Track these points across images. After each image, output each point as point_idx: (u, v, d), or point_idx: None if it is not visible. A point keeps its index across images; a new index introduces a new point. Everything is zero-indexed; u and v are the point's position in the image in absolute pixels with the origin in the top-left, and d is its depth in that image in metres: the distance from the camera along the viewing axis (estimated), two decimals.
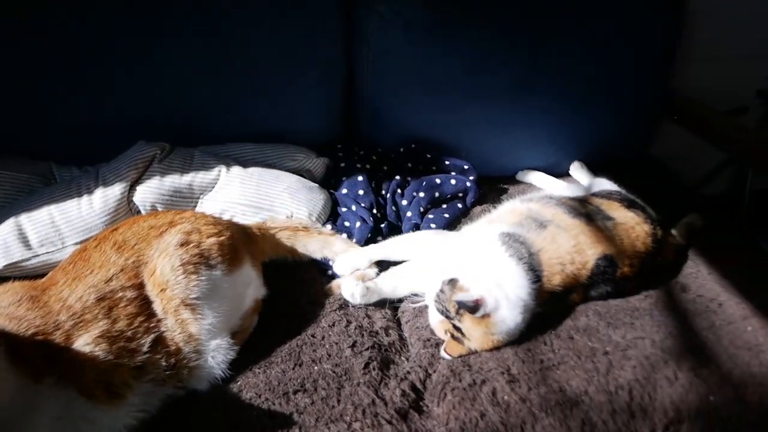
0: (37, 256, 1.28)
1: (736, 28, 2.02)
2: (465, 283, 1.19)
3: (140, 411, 0.97)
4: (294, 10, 1.56)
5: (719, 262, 1.51)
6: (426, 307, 1.28)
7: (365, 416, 1.05)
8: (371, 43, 1.64)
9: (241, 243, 1.22)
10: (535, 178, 1.85)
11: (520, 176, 1.88)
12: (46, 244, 1.29)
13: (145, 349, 0.97)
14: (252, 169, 1.48)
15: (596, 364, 1.18)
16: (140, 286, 1.02)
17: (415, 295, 1.33)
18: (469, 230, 1.45)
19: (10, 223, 1.29)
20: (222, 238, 1.14)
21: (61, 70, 1.48)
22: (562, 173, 1.90)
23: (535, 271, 1.26)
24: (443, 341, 1.23)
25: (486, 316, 1.17)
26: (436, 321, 1.23)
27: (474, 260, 1.29)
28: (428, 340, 1.24)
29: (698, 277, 1.48)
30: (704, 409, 1.13)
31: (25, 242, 1.28)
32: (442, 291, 1.20)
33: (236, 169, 1.46)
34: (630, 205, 1.48)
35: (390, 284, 1.33)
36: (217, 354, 1.08)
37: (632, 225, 1.41)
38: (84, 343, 0.90)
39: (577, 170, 1.89)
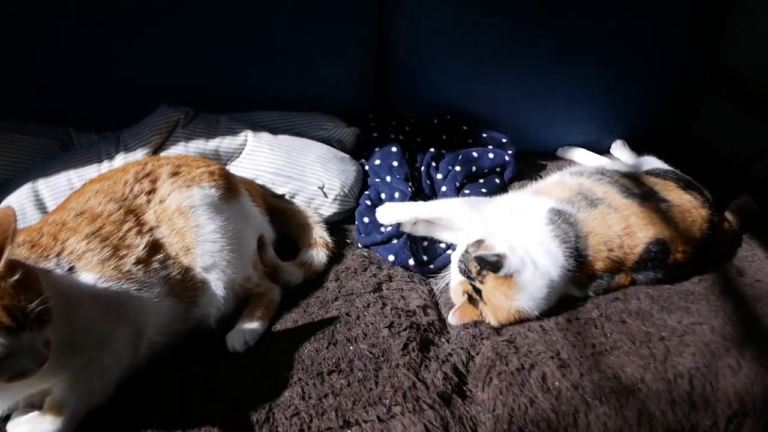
0: None
1: None
2: (490, 243, 1.14)
3: (164, 329, 1.00)
4: None
5: None
6: None
7: (406, 400, 0.97)
8: (406, 7, 1.54)
9: (238, 180, 1.23)
10: (578, 154, 1.75)
11: (560, 152, 1.79)
12: None
13: (141, 247, 0.99)
14: (281, 137, 1.40)
15: (652, 350, 1.10)
16: (122, 199, 1.04)
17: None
18: (515, 198, 1.36)
19: (26, 188, 1.23)
20: (211, 168, 1.16)
21: (80, 33, 1.42)
22: (602, 150, 1.80)
23: (578, 256, 1.18)
24: (479, 324, 1.15)
25: (508, 277, 1.11)
26: (455, 283, 1.18)
27: (513, 227, 1.22)
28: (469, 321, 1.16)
29: (755, 260, 1.38)
30: None
31: (42, 207, 1.22)
32: (466, 251, 1.15)
33: (265, 135, 1.38)
34: (687, 186, 1.39)
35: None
36: (216, 285, 1.06)
37: (689, 208, 1.32)
38: (75, 241, 0.94)
39: (619, 149, 1.80)
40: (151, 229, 1.02)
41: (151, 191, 1.06)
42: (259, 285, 1.14)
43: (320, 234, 1.29)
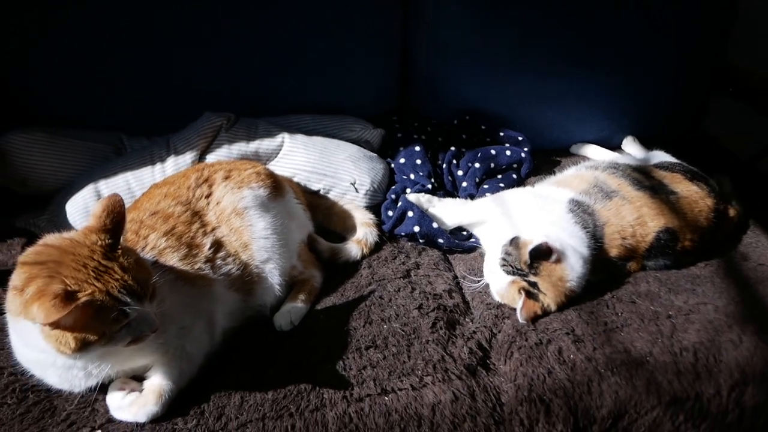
0: None
1: None
2: (526, 238, 1.24)
3: (230, 318, 1.12)
4: None
5: None
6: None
7: (436, 371, 1.08)
8: (427, 16, 1.66)
9: (283, 179, 1.35)
10: (591, 151, 1.85)
11: (574, 149, 1.89)
12: None
13: (207, 246, 1.11)
14: (315, 138, 1.52)
15: (660, 326, 1.20)
16: (187, 203, 1.15)
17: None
18: (539, 189, 1.47)
19: (89, 188, 1.36)
20: (258, 168, 1.29)
21: (135, 51, 1.54)
22: (614, 147, 1.90)
23: (597, 241, 1.29)
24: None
25: (558, 261, 1.21)
26: (504, 285, 1.24)
27: (538, 218, 1.33)
28: (490, 303, 1.27)
29: (758, 246, 1.48)
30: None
31: None
32: (508, 254, 1.23)
33: (300, 137, 1.50)
34: (693, 177, 1.48)
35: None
36: (273, 275, 1.18)
37: (695, 199, 1.41)
38: (155, 238, 1.06)
39: (629, 144, 1.89)
40: (213, 229, 1.14)
41: (209, 195, 1.18)
42: (303, 272, 1.26)
43: (368, 216, 1.43)
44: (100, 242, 0.88)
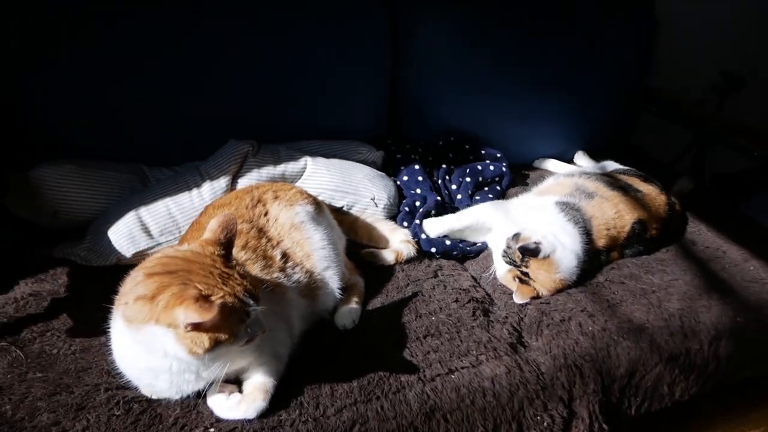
0: (160, 244, 1.41)
1: (693, 33, 2.42)
2: (526, 235, 1.46)
3: (302, 322, 1.24)
4: (346, 28, 1.80)
5: (712, 222, 1.84)
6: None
7: (486, 350, 1.27)
8: (414, 47, 1.90)
9: (315, 198, 1.48)
10: (551, 165, 2.13)
11: (536, 163, 2.17)
12: (165, 233, 1.43)
13: (278, 257, 1.23)
14: (333, 160, 1.67)
15: (649, 299, 1.47)
16: (249, 221, 1.27)
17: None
18: (526, 200, 1.70)
19: (131, 215, 1.41)
20: (298, 188, 1.43)
21: (143, 80, 1.63)
22: (568, 160, 2.20)
23: (587, 234, 1.54)
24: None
25: (547, 258, 1.43)
26: (503, 272, 1.49)
27: (533, 221, 1.55)
28: (511, 293, 1.48)
29: (701, 233, 1.80)
30: (735, 328, 1.44)
31: (147, 232, 1.41)
32: (508, 246, 1.46)
33: (321, 159, 1.65)
34: (646, 179, 1.79)
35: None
36: (333, 280, 1.31)
37: (654, 196, 1.72)
38: (236, 251, 1.13)
39: (580, 158, 2.20)
40: (278, 243, 1.25)
41: (266, 213, 1.29)
42: (350, 279, 1.39)
43: (403, 232, 1.60)
44: (217, 253, 0.99)
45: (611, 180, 1.73)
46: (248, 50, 1.70)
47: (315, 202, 1.40)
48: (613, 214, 1.59)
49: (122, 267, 1.38)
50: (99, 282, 1.35)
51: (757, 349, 1.48)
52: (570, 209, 1.57)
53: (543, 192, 1.72)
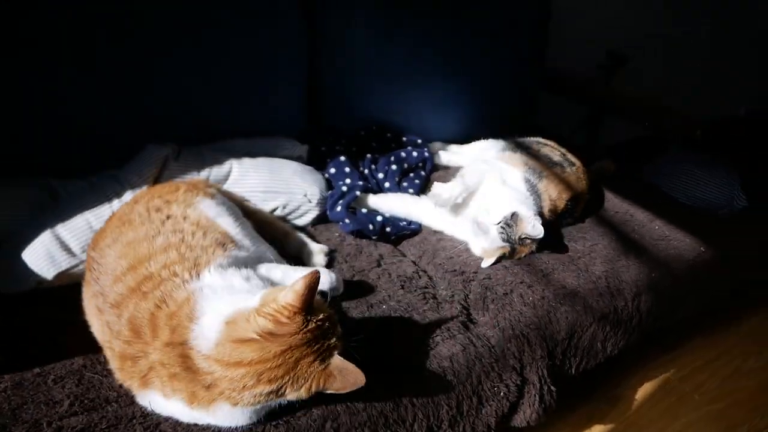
0: (83, 261, 1.30)
1: (582, 14, 2.61)
2: (526, 215, 1.52)
3: None
4: (264, 27, 1.74)
5: (615, 189, 2.01)
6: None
7: (442, 331, 1.30)
8: (332, 40, 1.90)
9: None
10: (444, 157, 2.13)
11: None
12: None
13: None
14: (259, 159, 1.62)
15: (578, 265, 1.58)
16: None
17: None
18: (498, 168, 1.74)
19: (47, 234, 1.29)
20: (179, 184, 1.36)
21: (52, 85, 1.48)
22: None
23: (541, 214, 1.62)
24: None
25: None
26: (495, 246, 1.52)
27: (512, 195, 1.61)
28: (453, 270, 1.52)
29: (609, 200, 1.96)
30: (651, 283, 1.58)
31: (68, 250, 1.30)
32: (508, 225, 1.50)
33: (246, 160, 1.59)
34: (573, 152, 1.90)
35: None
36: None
37: (579, 165, 1.82)
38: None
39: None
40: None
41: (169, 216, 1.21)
42: None
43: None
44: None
45: (551, 153, 1.82)
46: (166, 49, 1.61)
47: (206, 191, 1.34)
48: (555, 195, 1.68)
49: (42, 291, 1.28)
50: (17, 309, 1.23)
51: (669, 300, 1.63)
52: (533, 190, 1.65)
53: (506, 160, 1.78)
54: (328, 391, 0.96)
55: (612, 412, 1.72)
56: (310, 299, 0.93)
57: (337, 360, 0.95)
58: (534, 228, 1.49)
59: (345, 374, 0.94)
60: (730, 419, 1.77)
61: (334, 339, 0.97)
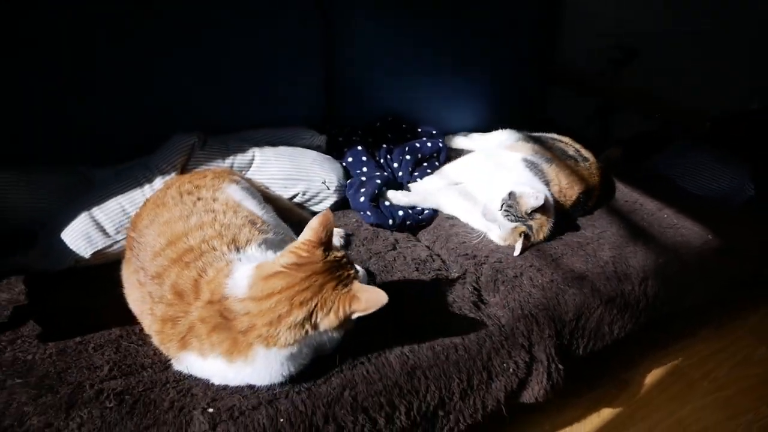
0: (117, 242, 1.39)
1: (594, 9, 2.65)
2: (523, 191, 1.58)
3: None
4: (280, 20, 1.81)
5: (626, 179, 2.05)
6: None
7: (454, 310, 1.37)
8: (347, 35, 1.96)
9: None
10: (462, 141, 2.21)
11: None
12: (122, 231, 1.40)
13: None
14: (280, 148, 1.70)
15: (586, 250, 1.63)
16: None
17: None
18: (489, 152, 1.81)
19: (84, 216, 1.37)
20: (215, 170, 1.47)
21: (52, 85, 1.54)
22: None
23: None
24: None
25: (542, 205, 1.57)
26: (508, 230, 1.58)
27: (507, 179, 1.67)
28: (465, 254, 1.59)
29: (619, 189, 2.01)
30: (658, 268, 1.63)
31: (103, 231, 1.38)
32: (510, 206, 1.56)
33: (268, 149, 1.67)
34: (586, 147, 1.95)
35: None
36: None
37: (593, 161, 1.88)
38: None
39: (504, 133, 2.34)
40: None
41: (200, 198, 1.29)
42: None
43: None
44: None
45: (565, 148, 1.87)
46: (166, 49, 1.67)
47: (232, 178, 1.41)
48: (566, 183, 1.74)
49: (79, 269, 1.37)
50: (57, 286, 1.32)
51: (677, 286, 1.67)
52: (536, 169, 1.70)
53: (511, 148, 1.84)
54: (356, 315, 1.03)
55: (621, 396, 1.77)
56: (325, 235, 1.05)
57: (357, 284, 1.04)
58: (536, 199, 1.55)
59: (368, 295, 1.03)
60: (737, 407, 1.81)
61: (353, 271, 1.07)
